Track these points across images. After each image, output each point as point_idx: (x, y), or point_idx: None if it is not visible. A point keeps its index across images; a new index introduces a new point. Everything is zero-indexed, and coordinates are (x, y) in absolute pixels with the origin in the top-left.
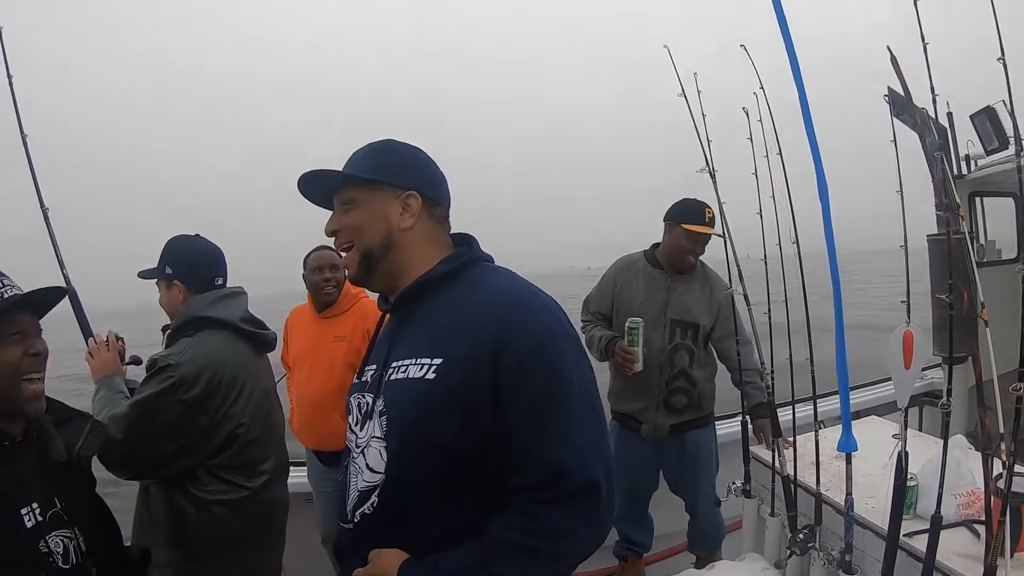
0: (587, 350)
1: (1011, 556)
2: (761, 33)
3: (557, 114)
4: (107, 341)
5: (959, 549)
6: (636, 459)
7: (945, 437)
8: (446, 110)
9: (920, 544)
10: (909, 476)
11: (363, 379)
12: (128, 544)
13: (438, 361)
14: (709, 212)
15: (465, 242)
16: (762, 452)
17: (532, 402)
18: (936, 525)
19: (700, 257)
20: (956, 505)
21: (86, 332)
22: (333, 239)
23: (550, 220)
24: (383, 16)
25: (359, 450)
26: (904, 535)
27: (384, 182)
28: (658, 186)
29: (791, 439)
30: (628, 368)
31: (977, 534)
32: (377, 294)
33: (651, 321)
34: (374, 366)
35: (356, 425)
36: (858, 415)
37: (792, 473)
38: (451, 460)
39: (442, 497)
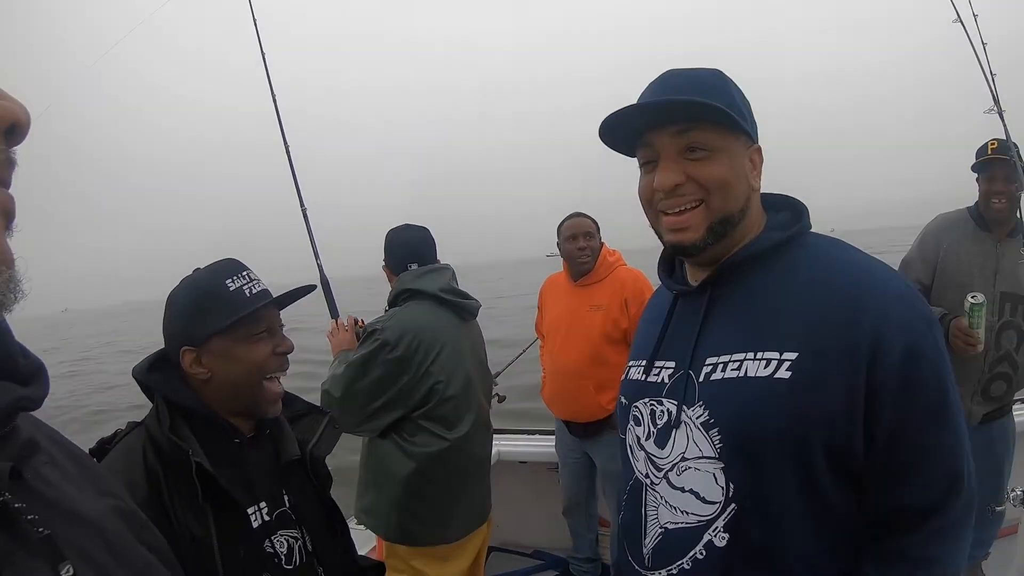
0: None
1: None
2: None
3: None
4: (346, 323)
5: None
6: None
7: None
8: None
9: None
10: None
11: (652, 379)
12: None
13: (791, 356)
14: (993, 143)
15: (788, 206)
16: None
17: (922, 403)
18: None
19: None
20: None
21: (333, 313)
22: (658, 195)
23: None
24: None
25: (661, 474)
26: None
27: (743, 129)
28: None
29: None
30: (969, 351)
31: None
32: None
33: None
34: (671, 363)
35: (648, 439)
36: None
37: None
38: (819, 481)
39: (807, 528)
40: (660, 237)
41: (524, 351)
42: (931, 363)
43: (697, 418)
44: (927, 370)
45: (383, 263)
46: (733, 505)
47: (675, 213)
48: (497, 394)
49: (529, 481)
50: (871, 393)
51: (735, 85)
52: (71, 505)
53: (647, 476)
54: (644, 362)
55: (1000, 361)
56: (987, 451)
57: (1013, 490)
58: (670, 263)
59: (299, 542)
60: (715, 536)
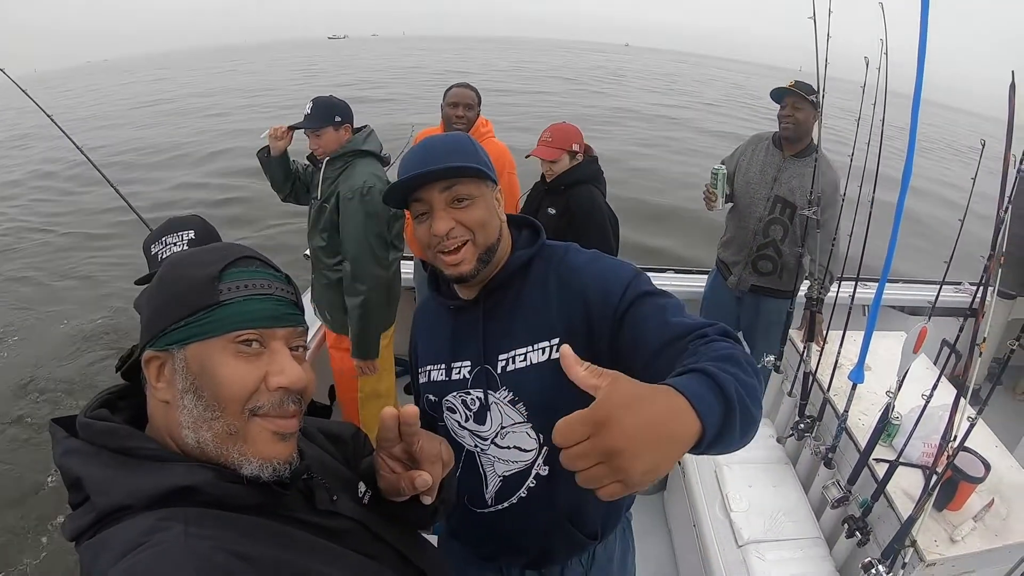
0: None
1: (939, 511)
2: None
3: None
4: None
5: (908, 487)
6: (721, 301)
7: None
8: None
9: (882, 470)
10: (895, 416)
11: (455, 377)
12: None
13: (556, 340)
14: (791, 82)
15: (528, 224)
16: (798, 338)
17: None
18: (894, 462)
19: (818, 142)
20: (922, 452)
21: None
22: (436, 239)
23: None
24: None
25: (488, 442)
26: (874, 458)
27: (491, 178)
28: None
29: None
30: (708, 205)
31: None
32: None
33: (757, 194)
34: (467, 363)
35: (469, 422)
36: (915, 311)
37: (813, 368)
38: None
39: None
40: (438, 273)
41: None
42: (642, 288)
43: (504, 398)
44: (643, 292)
45: (336, 120)
46: (545, 447)
47: (451, 252)
48: None
49: None
50: (617, 326)
51: (478, 145)
52: None
53: (476, 446)
54: (443, 366)
55: (766, 246)
56: (754, 316)
57: (766, 355)
58: (436, 283)
59: None
60: (540, 469)
